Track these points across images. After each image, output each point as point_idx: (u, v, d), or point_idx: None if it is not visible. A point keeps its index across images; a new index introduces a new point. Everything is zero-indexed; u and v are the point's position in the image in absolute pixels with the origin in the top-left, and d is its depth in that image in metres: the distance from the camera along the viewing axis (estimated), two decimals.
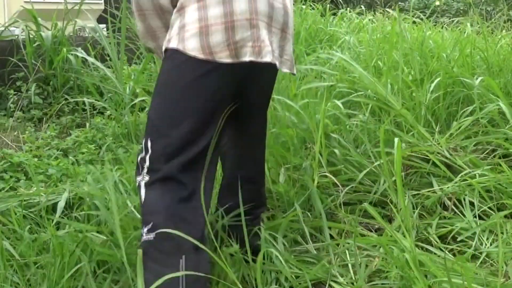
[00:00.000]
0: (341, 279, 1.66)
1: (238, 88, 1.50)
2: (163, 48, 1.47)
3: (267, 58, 1.43)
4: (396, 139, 1.82)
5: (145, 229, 1.37)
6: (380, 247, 1.76)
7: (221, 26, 1.38)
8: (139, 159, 1.44)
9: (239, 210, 1.62)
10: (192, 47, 1.38)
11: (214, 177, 1.55)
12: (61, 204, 2.15)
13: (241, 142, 1.72)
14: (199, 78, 1.40)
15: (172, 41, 1.42)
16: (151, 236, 1.35)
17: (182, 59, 1.40)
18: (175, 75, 1.43)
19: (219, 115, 1.46)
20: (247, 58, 1.41)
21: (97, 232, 1.85)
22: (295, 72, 1.62)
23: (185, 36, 1.39)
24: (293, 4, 1.61)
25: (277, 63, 1.49)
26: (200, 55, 1.38)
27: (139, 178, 1.43)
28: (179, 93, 1.42)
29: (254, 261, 1.64)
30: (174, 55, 1.42)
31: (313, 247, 1.90)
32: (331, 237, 1.95)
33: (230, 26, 1.39)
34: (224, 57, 1.39)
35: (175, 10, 1.45)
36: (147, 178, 1.41)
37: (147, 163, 1.41)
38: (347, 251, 1.80)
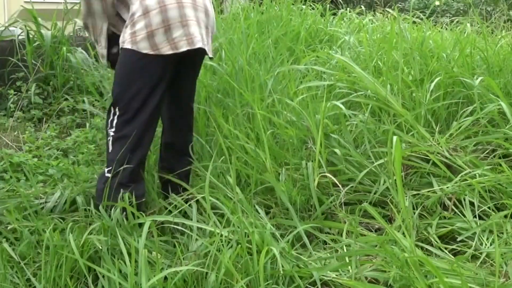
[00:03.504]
0: (341, 278, 1.66)
1: (176, 68, 2.11)
2: (120, 46, 2.05)
3: (199, 45, 2.02)
4: (394, 137, 1.82)
5: (106, 170, 2.04)
6: (379, 246, 1.76)
7: (162, 29, 1.97)
8: (110, 119, 2.05)
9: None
10: (143, 47, 1.97)
11: (155, 130, 2.17)
12: (60, 204, 2.15)
13: (174, 112, 2.29)
14: (147, 66, 1.99)
15: (126, 43, 2.01)
16: (109, 174, 2.02)
17: (136, 55, 1.98)
18: (131, 65, 2.02)
19: (159, 90, 2.04)
20: (184, 48, 2.00)
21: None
22: (211, 55, 2.18)
23: (137, 39, 1.98)
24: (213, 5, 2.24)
25: (206, 48, 2.08)
26: (150, 52, 1.97)
27: (110, 132, 2.05)
28: (134, 76, 2.01)
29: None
30: (129, 53, 2.00)
31: (313, 247, 1.91)
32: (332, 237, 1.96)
33: (168, 28, 1.97)
34: (166, 50, 1.98)
35: (129, 15, 2.02)
36: (114, 134, 2.03)
37: (115, 122, 2.03)
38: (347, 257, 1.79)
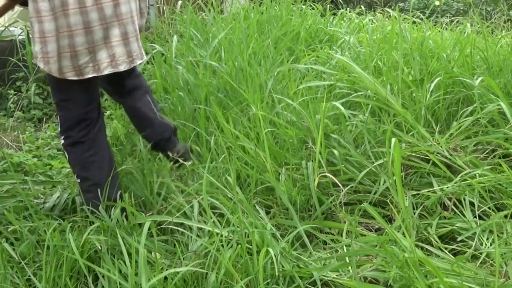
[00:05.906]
0: (341, 278, 1.66)
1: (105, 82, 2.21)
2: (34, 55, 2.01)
3: (107, 71, 2.03)
4: (393, 139, 1.82)
5: (75, 176, 2.13)
6: (379, 246, 1.76)
7: (68, 55, 1.95)
8: (59, 128, 2.14)
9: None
10: (54, 70, 1.96)
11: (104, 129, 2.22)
12: (60, 204, 2.15)
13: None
14: (69, 90, 2.05)
15: (38, 60, 1.97)
16: (78, 180, 2.09)
17: (53, 77, 2.01)
18: (56, 89, 2.09)
19: (94, 105, 2.12)
20: (90, 75, 2.01)
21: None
22: (140, 60, 2.13)
23: (50, 61, 1.96)
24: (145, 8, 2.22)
25: (123, 66, 2.06)
26: (57, 76, 1.98)
27: (62, 142, 2.14)
28: (65, 99, 2.09)
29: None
30: (47, 74, 2.03)
31: (313, 247, 1.91)
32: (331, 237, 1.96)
33: (74, 54, 1.96)
34: (71, 76, 1.99)
35: (40, 26, 1.93)
36: (65, 141, 2.10)
37: (63, 132, 2.11)
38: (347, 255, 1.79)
